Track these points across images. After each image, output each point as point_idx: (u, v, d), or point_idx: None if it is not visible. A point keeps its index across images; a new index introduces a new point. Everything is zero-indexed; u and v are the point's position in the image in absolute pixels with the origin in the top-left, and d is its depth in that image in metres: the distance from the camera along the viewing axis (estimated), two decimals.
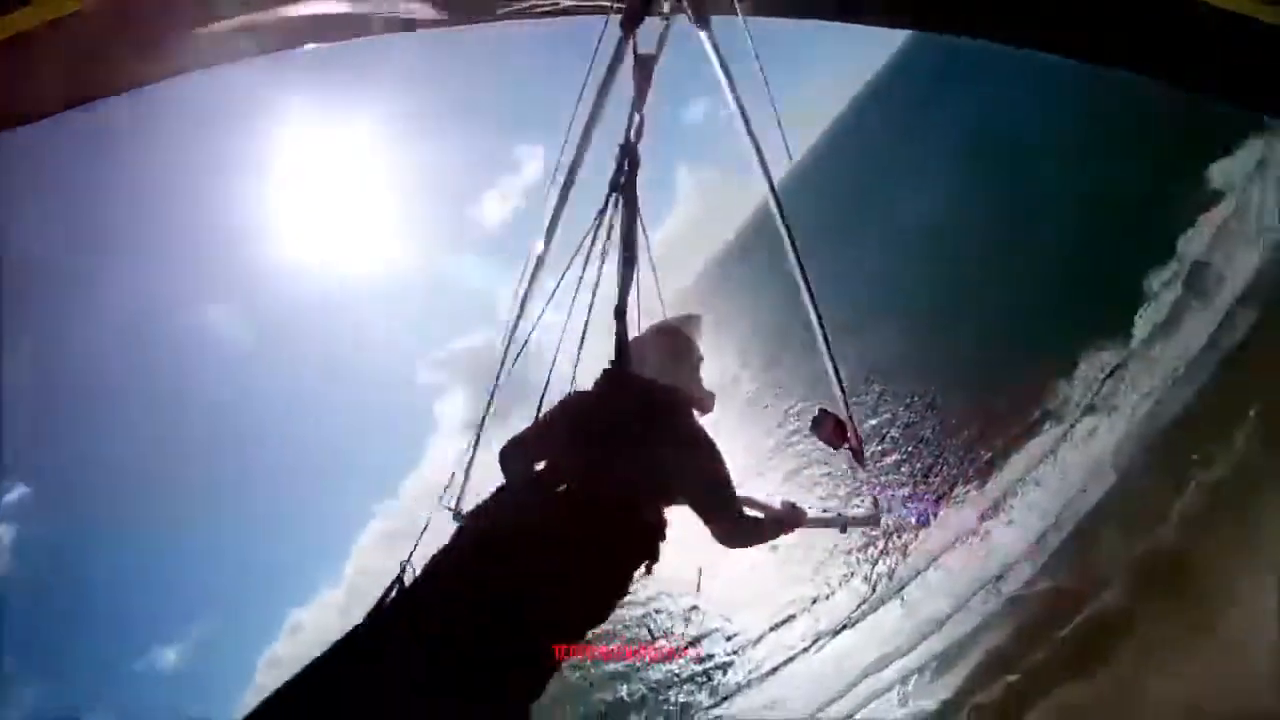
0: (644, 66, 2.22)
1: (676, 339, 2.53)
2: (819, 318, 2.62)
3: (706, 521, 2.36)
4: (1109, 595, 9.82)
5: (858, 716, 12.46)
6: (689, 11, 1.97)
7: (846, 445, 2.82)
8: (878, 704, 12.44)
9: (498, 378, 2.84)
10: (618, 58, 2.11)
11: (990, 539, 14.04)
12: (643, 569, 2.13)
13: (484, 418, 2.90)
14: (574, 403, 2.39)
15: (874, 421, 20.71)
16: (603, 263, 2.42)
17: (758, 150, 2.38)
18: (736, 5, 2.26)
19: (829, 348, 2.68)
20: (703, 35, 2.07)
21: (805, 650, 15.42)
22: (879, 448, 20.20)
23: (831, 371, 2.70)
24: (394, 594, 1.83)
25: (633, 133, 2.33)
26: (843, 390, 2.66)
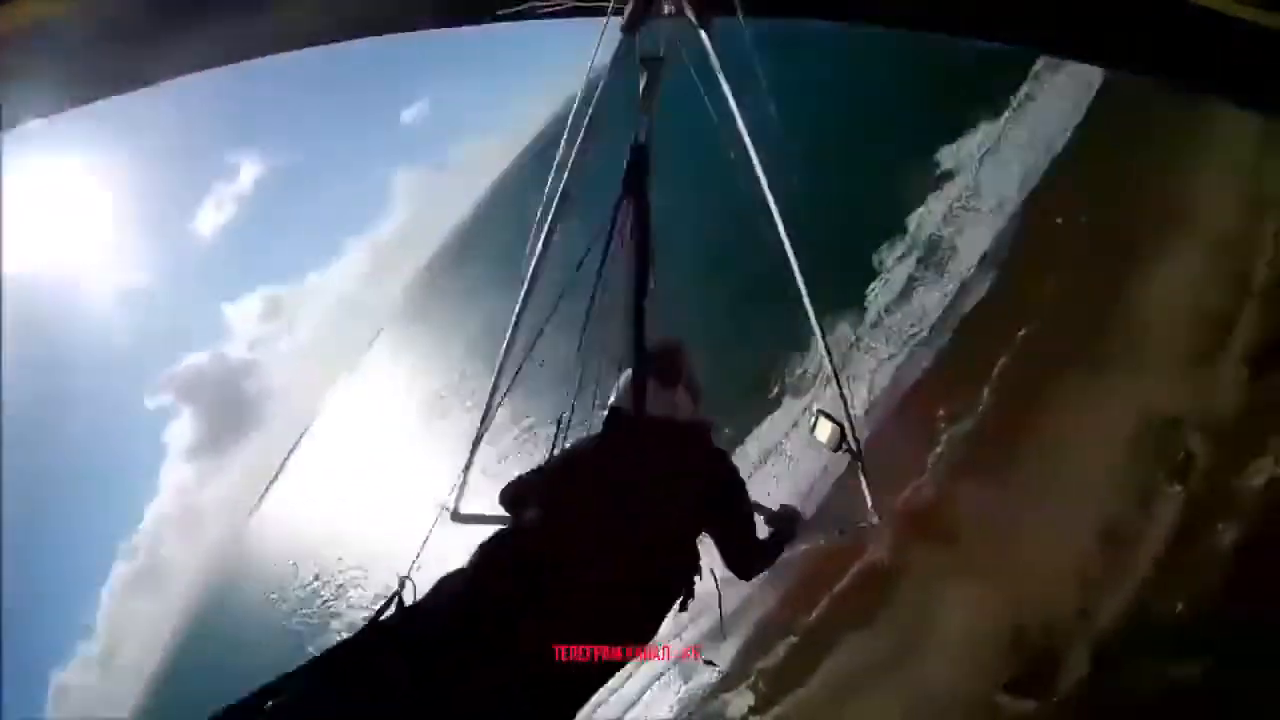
0: (651, 68, 2.21)
1: (678, 360, 2.46)
2: (818, 327, 2.62)
3: (732, 554, 2.33)
4: (876, 549, 10.63)
5: (643, 700, 12.93)
6: (689, 12, 1.96)
7: (845, 447, 2.82)
8: (658, 687, 13.05)
9: (496, 382, 2.84)
10: (617, 58, 2.11)
11: None
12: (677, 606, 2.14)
13: (483, 423, 2.90)
14: (592, 451, 2.32)
15: (605, 413, 22.57)
16: (603, 265, 2.41)
17: (756, 155, 2.37)
18: (737, 5, 2.25)
19: (829, 353, 2.67)
20: (703, 35, 2.06)
21: None
22: None
23: (831, 372, 2.70)
24: (391, 610, 1.77)
25: (642, 134, 2.33)
26: (842, 394, 2.64)
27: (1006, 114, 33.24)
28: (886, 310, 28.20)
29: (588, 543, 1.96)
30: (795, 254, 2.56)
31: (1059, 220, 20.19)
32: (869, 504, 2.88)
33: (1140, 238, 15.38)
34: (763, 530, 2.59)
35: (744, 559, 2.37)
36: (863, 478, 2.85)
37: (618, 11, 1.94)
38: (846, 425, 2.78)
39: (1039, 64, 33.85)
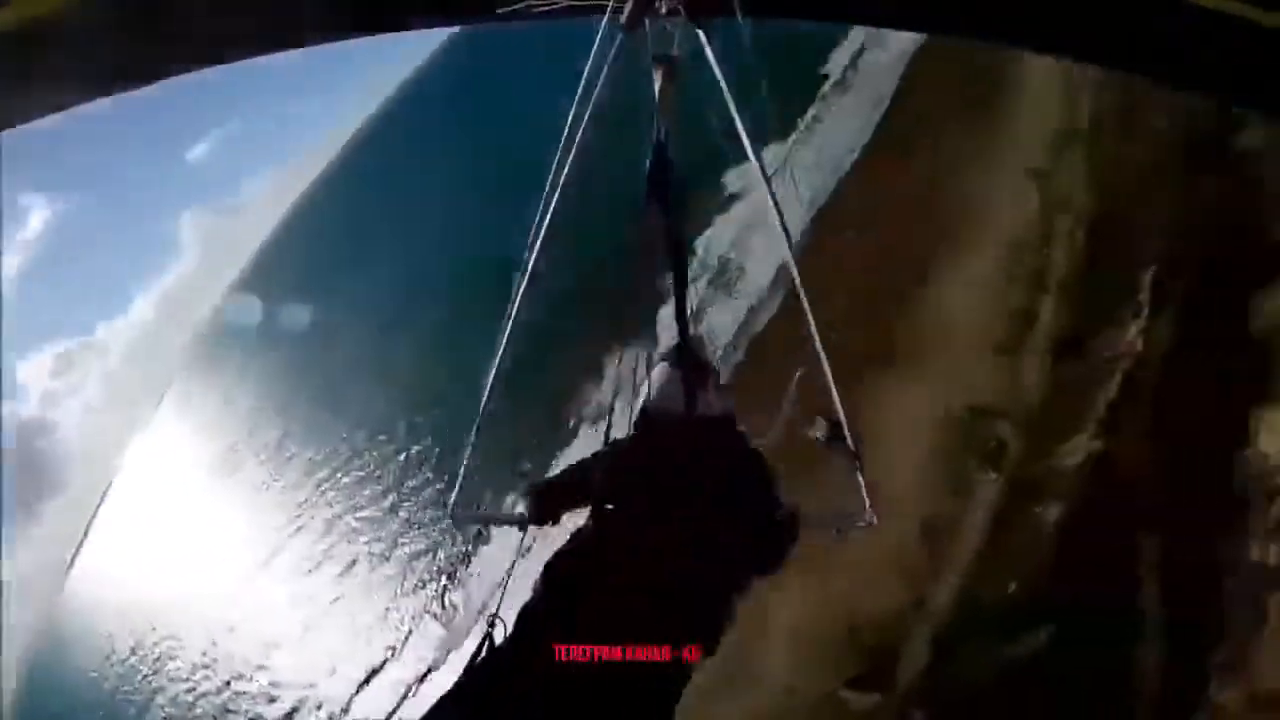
0: (667, 69, 2.20)
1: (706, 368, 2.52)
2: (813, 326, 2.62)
3: (759, 548, 2.35)
4: None
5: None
6: (686, 11, 1.96)
7: (842, 445, 2.82)
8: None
9: (493, 383, 2.86)
10: (617, 57, 2.10)
11: (555, 546, 15.85)
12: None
13: (478, 424, 2.92)
14: (637, 452, 2.35)
15: (416, 448, 21.93)
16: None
17: (757, 159, 2.37)
18: (736, 5, 2.25)
19: (825, 357, 2.68)
20: (701, 35, 2.06)
21: (405, 700, 15.55)
22: (419, 479, 21.11)
23: (827, 372, 2.70)
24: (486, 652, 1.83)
25: (662, 135, 2.32)
26: (837, 396, 2.65)
27: (794, 136, 32.98)
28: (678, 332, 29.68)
29: (656, 539, 1.99)
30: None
31: (849, 234, 20.62)
32: (866, 504, 2.89)
33: (935, 243, 16.09)
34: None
35: (765, 552, 2.37)
36: (860, 476, 2.86)
37: (617, 10, 1.94)
38: (842, 425, 2.78)
39: (826, 86, 32.16)
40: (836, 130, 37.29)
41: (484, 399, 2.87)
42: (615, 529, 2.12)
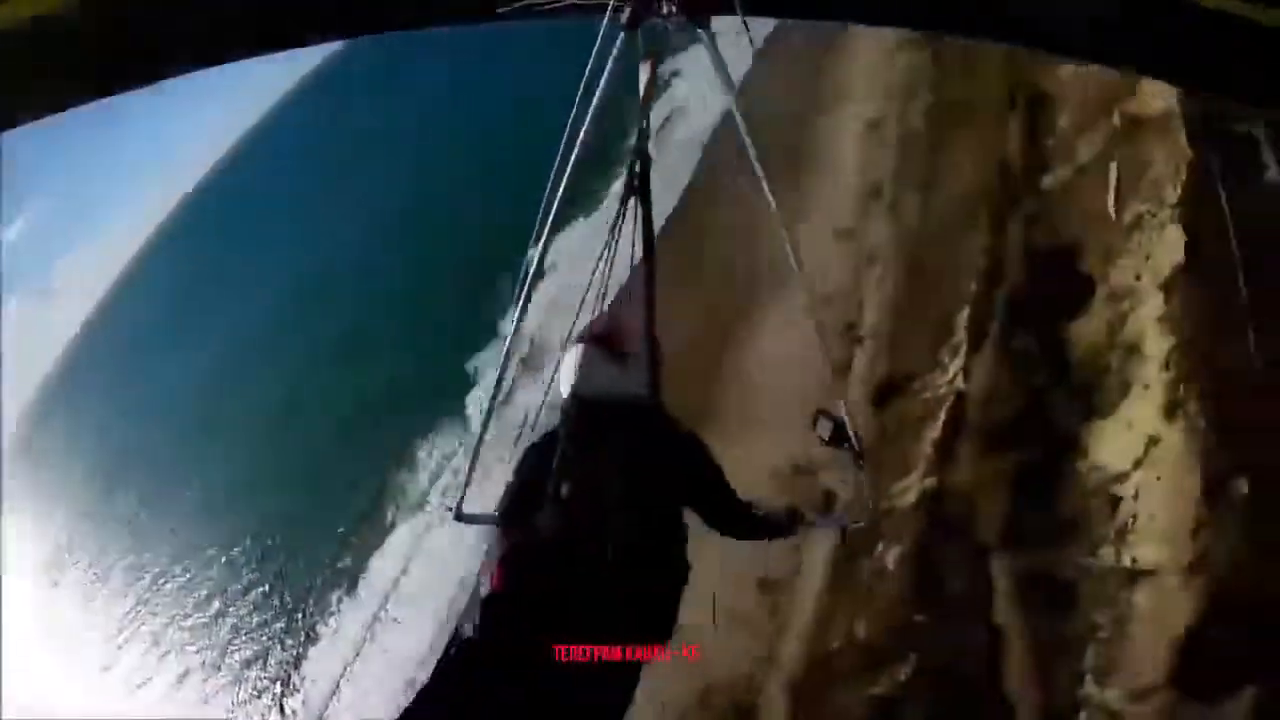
0: (653, 62, 2.22)
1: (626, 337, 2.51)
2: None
3: (715, 514, 2.41)
4: None
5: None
6: (686, 11, 1.96)
7: (846, 445, 2.83)
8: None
9: (498, 385, 2.86)
10: (619, 57, 2.10)
11: (387, 642, 15.44)
12: None
13: (485, 423, 2.93)
14: (553, 445, 2.31)
15: (237, 549, 21.11)
16: (610, 266, 2.42)
17: (758, 158, 2.37)
18: (737, 5, 2.24)
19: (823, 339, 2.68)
20: (702, 35, 2.05)
21: None
22: (244, 581, 20.20)
23: (827, 368, 2.70)
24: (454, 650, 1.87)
25: (642, 135, 2.36)
26: (843, 392, 2.67)
27: (602, 208, 35.81)
28: (486, 415, 30.89)
29: (594, 534, 2.01)
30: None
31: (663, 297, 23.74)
32: (869, 504, 2.91)
33: (753, 304, 16.15)
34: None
35: (728, 518, 2.43)
36: (863, 476, 2.87)
37: (618, 9, 1.93)
38: (846, 424, 2.80)
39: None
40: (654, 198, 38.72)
41: (486, 405, 2.89)
42: (569, 518, 2.14)
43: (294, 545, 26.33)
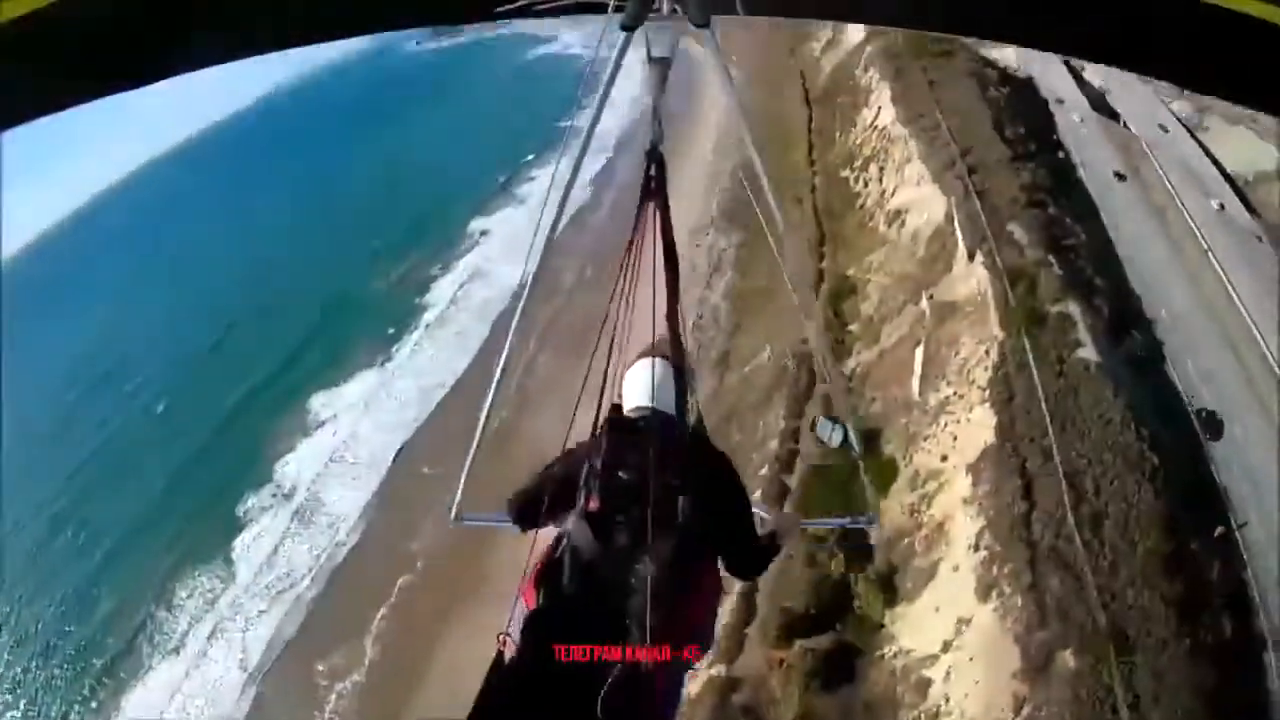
0: (659, 70, 2.21)
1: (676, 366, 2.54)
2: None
3: (735, 555, 2.42)
4: None
5: None
6: (686, 11, 1.94)
7: (846, 446, 2.84)
8: None
9: (495, 389, 2.86)
10: (619, 58, 2.09)
11: None
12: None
13: (481, 429, 2.94)
14: (588, 451, 2.36)
15: None
16: (633, 263, 2.40)
17: (758, 156, 2.37)
18: (738, 4, 2.23)
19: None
20: (703, 35, 2.04)
21: None
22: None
23: (829, 371, 2.70)
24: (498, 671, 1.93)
25: (655, 136, 2.33)
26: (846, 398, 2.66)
27: (391, 365, 35.04)
28: (255, 563, 28.45)
29: (626, 542, 2.06)
30: None
31: (426, 471, 25.37)
32: (873, 502, 2.94)
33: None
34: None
35: (746, 559, 2.44)
36: (865, 477, 2.92)
37: (619, 9, 1.92)
38: (846, 426, 2.81)
39: (430, 314, 38.15)
40: (438, 361, 38.02)
41: (485, 414, 2.90)
42: (594, 530, 2.15)
43: (49, 678, 26.04)
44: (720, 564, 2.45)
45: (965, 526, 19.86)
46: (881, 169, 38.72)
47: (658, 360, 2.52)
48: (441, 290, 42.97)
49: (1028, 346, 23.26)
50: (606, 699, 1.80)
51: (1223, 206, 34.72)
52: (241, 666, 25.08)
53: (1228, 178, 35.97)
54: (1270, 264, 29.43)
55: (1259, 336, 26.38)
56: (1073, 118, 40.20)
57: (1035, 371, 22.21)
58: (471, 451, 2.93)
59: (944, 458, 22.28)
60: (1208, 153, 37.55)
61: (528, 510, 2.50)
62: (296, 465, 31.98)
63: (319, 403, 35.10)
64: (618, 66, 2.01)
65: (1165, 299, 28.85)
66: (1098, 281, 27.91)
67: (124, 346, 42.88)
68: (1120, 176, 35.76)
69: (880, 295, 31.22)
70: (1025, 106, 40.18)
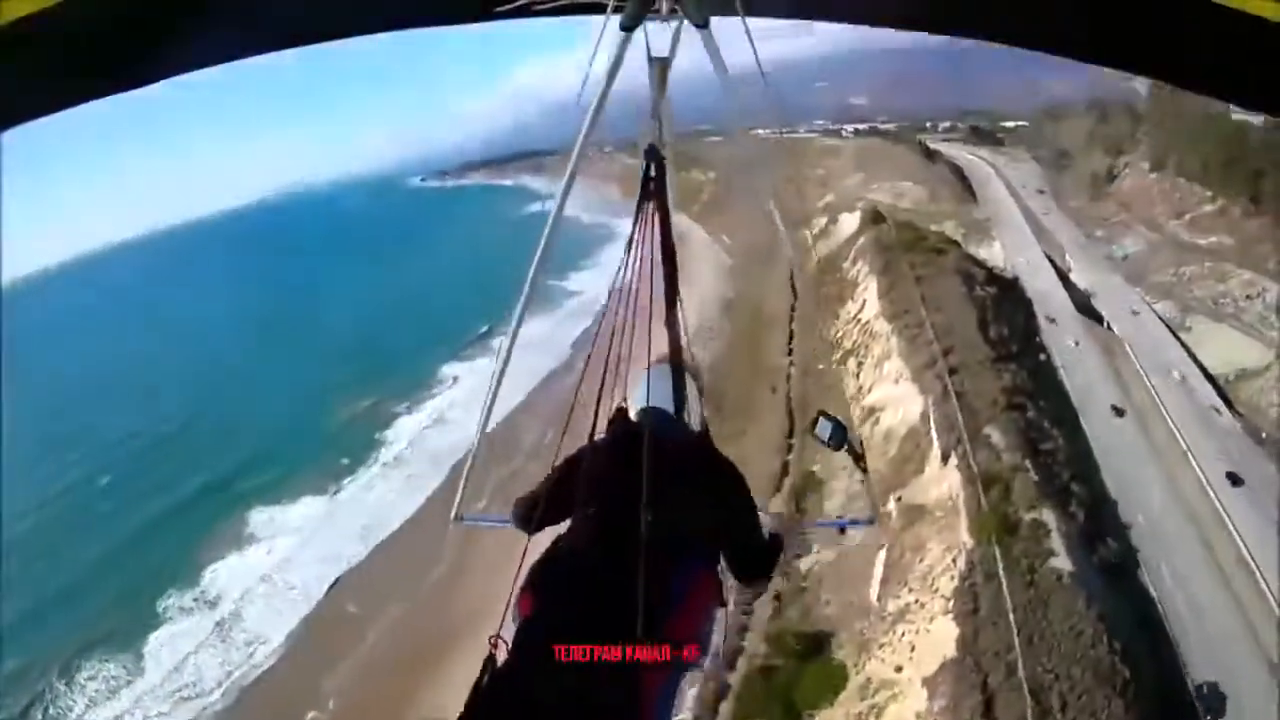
0: (663, 70, 2.21)
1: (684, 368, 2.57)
2: None
3: (741, 558, 2.46)
4: None
5: None
6: (685, 12, 1.95)
7: (847, 448, 2.83)
8: None
9: (493, 392, 2.88)
10: (619, 57, 2.09)
11: None
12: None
13: (480, 432, 2.97)
14: (596, 455, 2.40)
15: None
16: (634, 275, 2.41)
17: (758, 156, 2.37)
18: (738, 4, 2.23)
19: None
20: (701, 35, 2.04)
21: None
22: None
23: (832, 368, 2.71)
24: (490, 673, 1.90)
25: (655, 136, 2.34)
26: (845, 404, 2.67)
27: (341, 496, 36.89)
28: (166, 664, 28.86)
29: (622, 544, 2.03)
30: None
31: (352, 609, 26.77)
32: (872, 505, 2.94)
33: (459, 626, 22.29)
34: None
35: (750, 559, 2.48)
36: (864, 476, 2.91)
37: (618, 9, 1.92)
38: (848, 429, 2.81)
39: (388, 453, 40.74)
40: (385, 499, 36.95)
41: (483, 418, 2.92)
42: (591, 530, 2.19)
43: None
44: (727, 570, 2.46)
45: None
46: (860, 364, 38.04)
47: (660, 365, 2.53)
48: (402, 429, 42.69)
49: (998, 555, 22.13)
50: (602, 699, 1.79)
51: (1184, 378, 35.30)
52: None
53: (1209, 378, 35.89)
54: (1244, 453, 29.80)
55: (1236, 535, 25.73)
56: (1067, 341, 39.74)
57: (1004, 581, 21.12)
58: (470, 454, 2.95)
59: (899, 668, 20.92)
60: (1191, 356, 37.52)
61: (530, 512, 2.50)
62: (226, 576, 31.78)
63: (260, 518, 35.10)
64: (616, 66, 2.01)
65: (1143, 502, 28.05)
66: (1074, 487, 26.93)
67: (81, 415, 42.65)
68: (1118, 411, 34.50)
69: (845, 496, 29.61)
70: (1011, 307, 40.11)
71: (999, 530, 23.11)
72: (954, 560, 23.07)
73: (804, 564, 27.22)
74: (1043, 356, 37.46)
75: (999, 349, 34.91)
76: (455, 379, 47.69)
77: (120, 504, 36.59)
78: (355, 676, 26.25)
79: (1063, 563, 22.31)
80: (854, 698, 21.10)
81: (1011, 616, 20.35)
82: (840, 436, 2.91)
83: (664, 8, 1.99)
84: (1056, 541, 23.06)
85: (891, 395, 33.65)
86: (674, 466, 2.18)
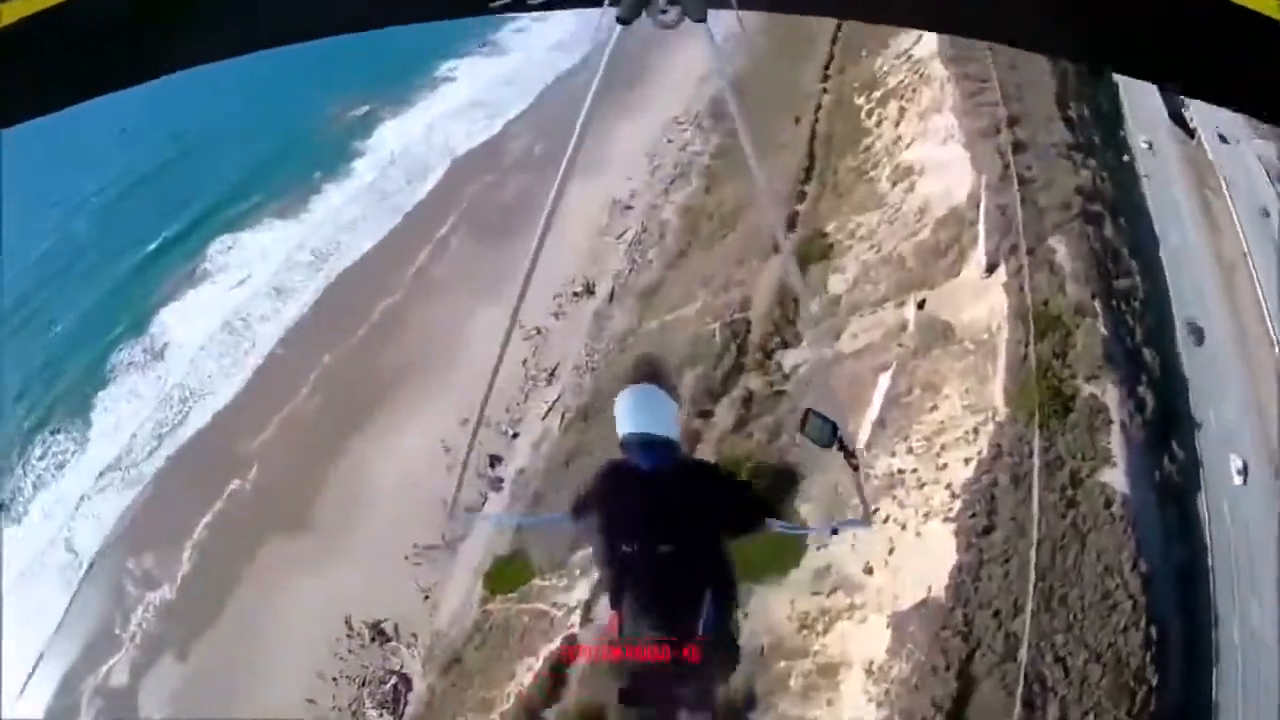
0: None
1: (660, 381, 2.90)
2: None
3: (744, 520, 2.91)
4: None
5: None
6: (683, 4, 1.94)
7: (838, 446, 2.82)
8: None
9: (488, 392, 2.94)
10: (614, 51, 2.08)
11: None
12: None
13: (473, 435, 3.04)
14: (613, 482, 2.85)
15: None
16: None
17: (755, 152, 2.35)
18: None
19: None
20: (700, 29, 2.03)
21: None
22: None
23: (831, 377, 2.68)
24: None
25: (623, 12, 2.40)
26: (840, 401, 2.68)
27: (309, 219, 35.76)
28: (109, 429, 29.09)
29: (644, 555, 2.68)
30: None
31: (281, 352, 30.77)
32: (864, 507, 3.00)
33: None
34: None
35: (755, 509, 2.98)
36: (857, 478, 2.91)
37: (615, 2, 1.92)
38: (837, 426, 2.83)
39: (363, 164, 38.01)
40: (354, 227, 34.29)
41: (478, 416, 2.98)
42: (635, 564, 2.71)
43: None
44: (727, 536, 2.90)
45: (856, 694, 14.29)
46: (903, 110, 29.67)
47: (647, 385, 2.82)
48: (385, 138, 39.41)
49: (1035, 448, 16.10)
50: (679, 677, 2.69)
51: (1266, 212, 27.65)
52: (69, 548, 24.96)
53: None
54: None
55: None
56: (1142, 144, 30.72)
57: (1035, 500, 15.23)
58: (466, 454, 2.98)
59: (869, 569, 15.93)
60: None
61: (578, 506, 2.97)
62: (174, 321, 30.26)
63: (218, 252, 33.18)
64: (612, 60, 2.00)
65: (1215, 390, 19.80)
66: (1146, 354, 19.34)
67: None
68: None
69: (857, 273, 23.90)
70: (1094, 89, 31.19)
71: (1045, 407, 16.54)
72: (975, 430, 17.23)
73: (789, 360, 22.26)
74: (1126, 158, 28.76)
75: (1077, 134, 26.45)
76: (449, 78, 43.07)
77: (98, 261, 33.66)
78: (280, 442, 26.16)
79: (1117, 478, 16.26)
80: (804, 587, 16.36)
81: (1033, 557, 14.63)
82: (829, 434, 2.92)
83: (661, 0, 1.98)
84: (1115, 440, 16.73)
85: (935, 158, 25.82)
86: (671, 493, 2.66)
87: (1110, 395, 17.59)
